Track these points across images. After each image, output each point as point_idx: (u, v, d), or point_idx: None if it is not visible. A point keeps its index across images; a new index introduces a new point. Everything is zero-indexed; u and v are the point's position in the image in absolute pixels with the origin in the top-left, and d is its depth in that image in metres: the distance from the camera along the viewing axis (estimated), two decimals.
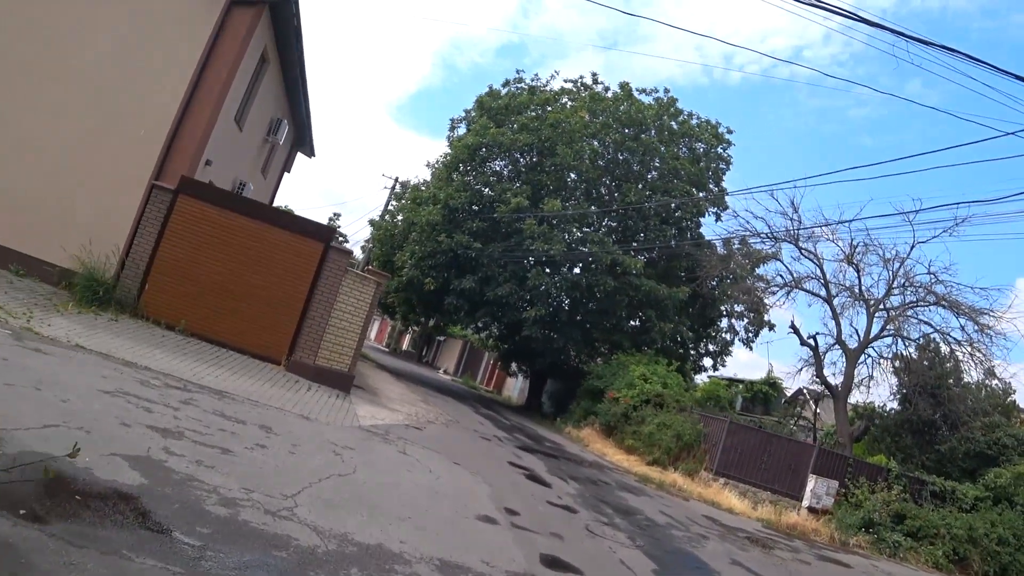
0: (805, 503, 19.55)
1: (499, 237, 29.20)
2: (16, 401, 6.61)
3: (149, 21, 15.30)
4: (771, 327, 33.61)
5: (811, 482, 19.70)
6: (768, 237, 25.91)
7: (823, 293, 25.33)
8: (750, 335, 34.29)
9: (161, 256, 14.53)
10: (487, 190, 30.44)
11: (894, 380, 26.11)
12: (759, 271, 29.53)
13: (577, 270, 30.15)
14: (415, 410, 17.12)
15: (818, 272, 25.54)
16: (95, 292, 13.72)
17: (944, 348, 25.21)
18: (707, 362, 35.59)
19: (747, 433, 21.03)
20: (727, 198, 32.45)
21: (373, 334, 78.41)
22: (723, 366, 36.68)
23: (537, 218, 27.62)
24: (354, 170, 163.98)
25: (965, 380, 24.75)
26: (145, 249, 14.51)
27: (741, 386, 36.44)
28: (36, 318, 11.24)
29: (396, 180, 40.70)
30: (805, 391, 44.69)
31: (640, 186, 30.50)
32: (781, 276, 26.01)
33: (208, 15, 15.41)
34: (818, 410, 30.26)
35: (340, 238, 14.91)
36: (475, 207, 29.76)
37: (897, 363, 26.94)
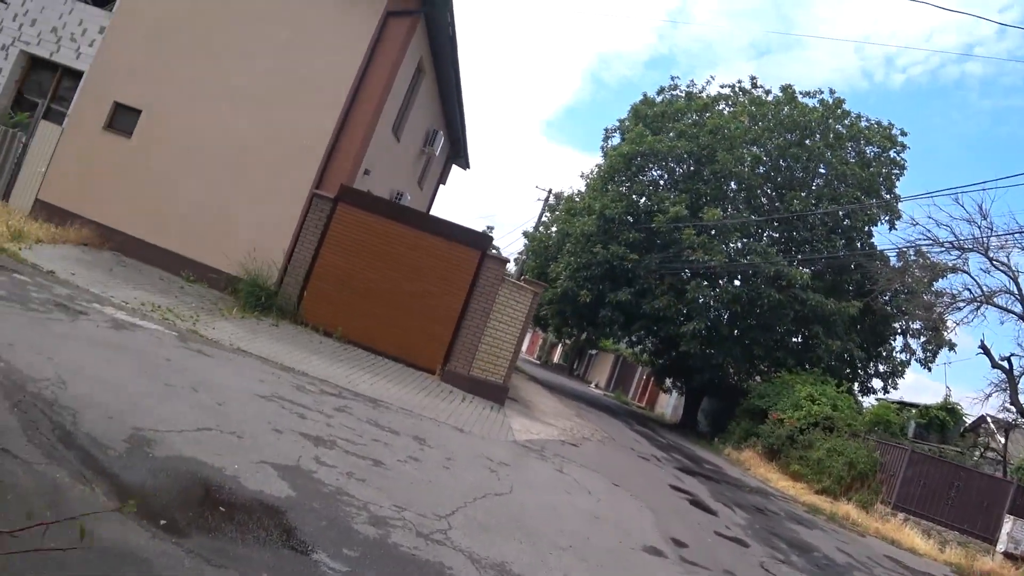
0: (1001, 547, 17.49)
1: (655, 248, 28.22)
2: (173, 402, 6.49)
3: (309, 34, 15.58)
4: (952, 347, 30.60)
5: (1008, 524, 17.61)
6: (953, 247, 23.55)
7: (1018, 309, 22.82)
8: (928, 355, 31.36)
9: (320, 263, 14.67)
10: (643, 200, 29.52)
11: None
12: (938, 285, 27.00)
13: (737, 283, 28.63)
14: (569, 425, 16.50)
15: (1012, 286, 23.03)
16: (258, 298, 13.99)
17: None
18: (876, 383, 32.74)
19: (931, 464, 19.09)
20: (901, 205, 29.98)
21: (525, 346, 78.66)
22: (894, 388, 33.60)
23: (696, 228, 26.45)
24: (507, 184, 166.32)
25: None
26: (305, 256, 14.70)
27: (914, 411, 33.54)
28: (202, 321, 11.47)
29: (550, 192, 40.54)
30: (989, 419, 40.76)
31: (804, 194, 28.65)
32: (969, 290, 23.59)
33: (366, 26, 15.50)
34: (1006, 442, 27.18)
35: (495, 249, 14.59)
36: (630, 217, 28.94)
37: None
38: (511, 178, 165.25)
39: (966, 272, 23.79)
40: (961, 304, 23.87)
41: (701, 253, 25.82)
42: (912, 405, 34.94)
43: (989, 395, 24.11)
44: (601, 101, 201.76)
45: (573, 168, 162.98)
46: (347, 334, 14.21)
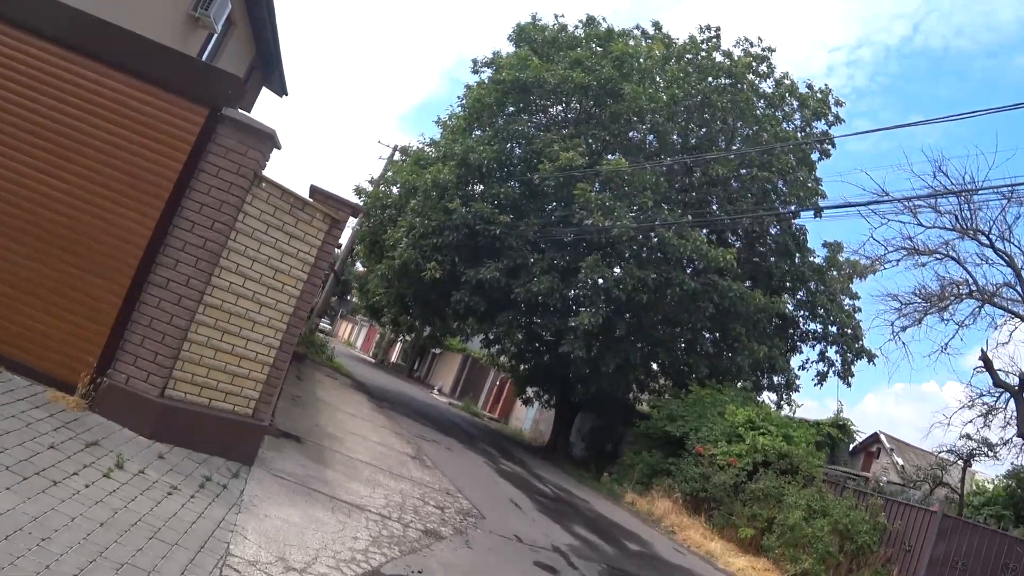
0: None
1: (535, 211, 20.59)
2: None
3: None
4: (871, 358, 25.01)
5: None
6: (948, 227, 17.12)
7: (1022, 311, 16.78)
8: (847, 366, 25.45)
9: None
10: (519, 149, 21.81)
11: None
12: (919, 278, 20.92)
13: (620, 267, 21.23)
14: (400, 491, 8.44)
15: (1013, 279, 16.98)
16: None
17: None
18: (769, 397, 26.12)
19: (971, 535, 12.40)
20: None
21: (360, 342, 69.43)
22: (788, 404, 27.18)
23: (594, 181, 19.04)
24: (353, 170, 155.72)
25: None
26: None
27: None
28: None
29: (395, 148, 32.15)
30: (883, 436, 36.26)
31: (729, 156, 21.83)
32: (969, 285, 17.30)
33: None
34: (963, 478, 21.43)
35: (235, 105, 6.81)
36: (501, 169, 21.22)
37: None
38: (360, 165, 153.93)
39: (954, 258, 17.46)
40: (945, 303, 17.53)
41: (600, 217, 18.37)
42: (802, 422, 29.59)
43: (983, 418, 17.91)
44: (454, 98, 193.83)
45: None
46: None
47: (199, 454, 6.20)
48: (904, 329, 18.44)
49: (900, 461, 31.55)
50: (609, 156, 20.40)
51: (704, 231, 21.45)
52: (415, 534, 6.90)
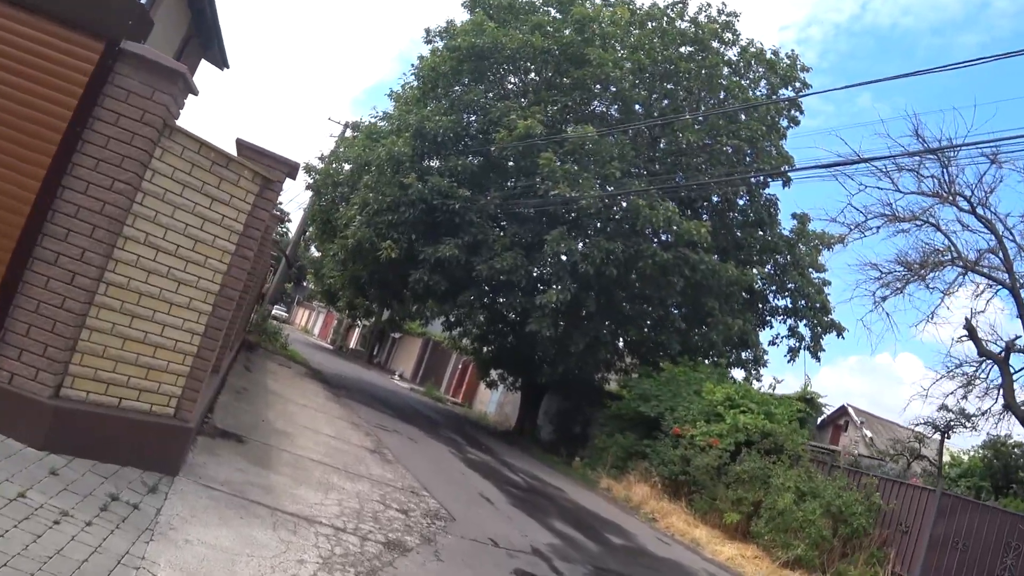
0: None
1: (495, 185, 19.55)
2: None
3: None
4: (840, 332, 24.48)
5: None
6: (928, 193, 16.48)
7: (1005, 278, 16.19)
8: (817, 340, 24.76)
9: None
10: (475, 119, 20.69)
11: None
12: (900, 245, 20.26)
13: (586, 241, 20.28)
14: (358, 494, 7.37)
15: (995, 245, 16.39)
16: None
17: None
18: (737, 373, 25.27)
19: (972, 513, 11.70)
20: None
21: (317, 328, 67.86)
22: (758, 380, 26.53)
23: (557, 150, 18.04)
24: (301, 154, 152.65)
25: None
26: None
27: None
28: None
29: (347, 124, 30.75)
30: (850, 409, 35.96)
31: (698, 123, 20.88)
32: (951, 252, 16.68)
33: None
34: (940, 451, 20.97)
35: (137, 41, 5.76)
36: (461, 142, 20.06)
37: None
38: (311, 146, 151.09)
39: (934, 225, 16.81)
40: (926, 271, 16.87)
41: (565, 187, 17.37)
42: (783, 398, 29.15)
43: (964, 388, 17.26)
44: (408, 68, 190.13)
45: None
46: None
47: (107, 466, 5.08)
48: (885, 299, 17.80)
49: (869, 434, 31.22)
50: (570, 128, 19.34)
51: (673, 203, 20.63)
52: (375, 548, 5.85)
